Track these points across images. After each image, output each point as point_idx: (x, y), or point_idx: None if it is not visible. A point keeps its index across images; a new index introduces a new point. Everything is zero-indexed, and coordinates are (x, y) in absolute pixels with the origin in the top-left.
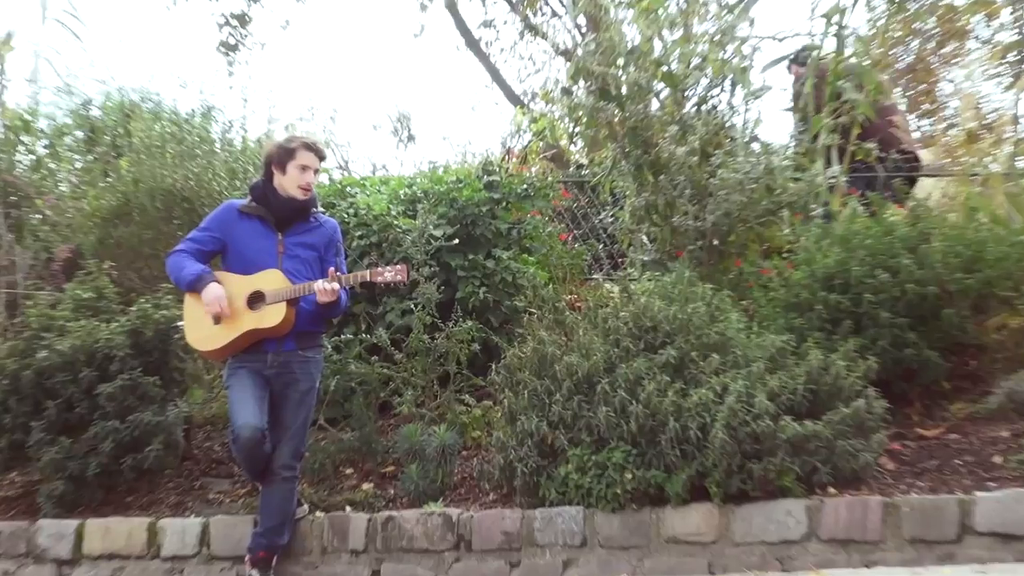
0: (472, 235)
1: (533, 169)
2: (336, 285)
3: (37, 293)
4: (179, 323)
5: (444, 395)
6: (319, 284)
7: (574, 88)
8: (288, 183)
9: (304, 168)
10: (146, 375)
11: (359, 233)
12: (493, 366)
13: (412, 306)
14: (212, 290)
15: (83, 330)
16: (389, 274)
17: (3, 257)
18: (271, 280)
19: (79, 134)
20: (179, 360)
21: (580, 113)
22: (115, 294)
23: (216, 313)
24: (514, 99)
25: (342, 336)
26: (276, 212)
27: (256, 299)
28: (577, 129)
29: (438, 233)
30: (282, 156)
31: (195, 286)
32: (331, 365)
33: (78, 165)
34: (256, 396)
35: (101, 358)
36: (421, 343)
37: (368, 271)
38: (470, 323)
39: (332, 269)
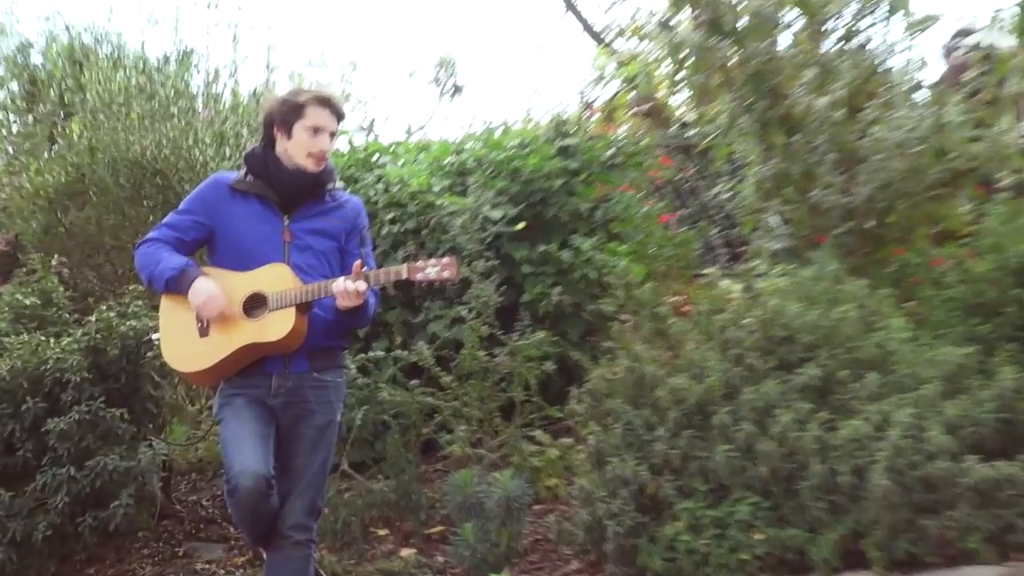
0: (542, 217)
1: (622, 129)
2: (362, 285)
3: None
4: (153, 336)
5: (508, 431)
6: (339, 284)
7: (676, 20)
8: (295, 150)
9: (316, 130)
10: (110, 406)
11: (390, 216)
12: (573, 391)
13: (463, 313)
14: (202, 287)
15: (25, 347)
16: (433, 270)
17: None
18: (275, 278)
19: (15, 88)
20: (154, 386)
21: (684, 53)
22: (67, 299)
23: (213, 317)
24: (595, 36)
25: (371, 353)
26: (280, 188)
27: (255, 304)
28: (680, 75)
29: (496, 215)
30: (287, 114)
31: (176, 284)
32: (357, 392)
33: (15, 129)
34: (258, 433)
35: (50, 384)
36: (476, 362)
37: (405, 266)
38: (541, 334)
39: (358, 264)
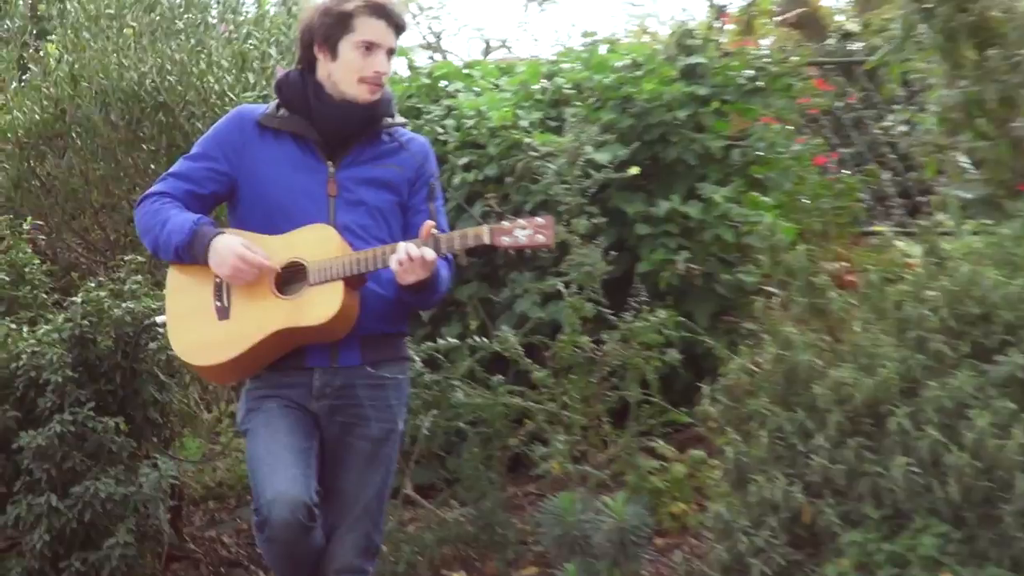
0: (662, 161)
1: (764, 43)
2: (431, 253)
3: None
4: (157, 319)
5: (621, 441)
6: (401, 251)
7: None
8: (342, 74)
9: (369, 46)
10: (102, 415)
11: (464, 160)
12: (704, 389)
13: (561, 286)
14: (225, 247)
15: None
16: (523, 234)
17: None
18: (317, 243)
19: None
20: (158, 387)
21: None
22: (44, 275)
23: (253, 279)
24: None
25: (440, 341)
26: (324, 126)
27: (292, 276)
28: None
29: (603, 157)
30: (330, 28)
31: (189, 249)
32: (423, 392)
33: None
34: (296, 448)
35: (23, 387)
36: (578, 351)
37: (486, 228)
38: (663, 314)
39: (427, 225)
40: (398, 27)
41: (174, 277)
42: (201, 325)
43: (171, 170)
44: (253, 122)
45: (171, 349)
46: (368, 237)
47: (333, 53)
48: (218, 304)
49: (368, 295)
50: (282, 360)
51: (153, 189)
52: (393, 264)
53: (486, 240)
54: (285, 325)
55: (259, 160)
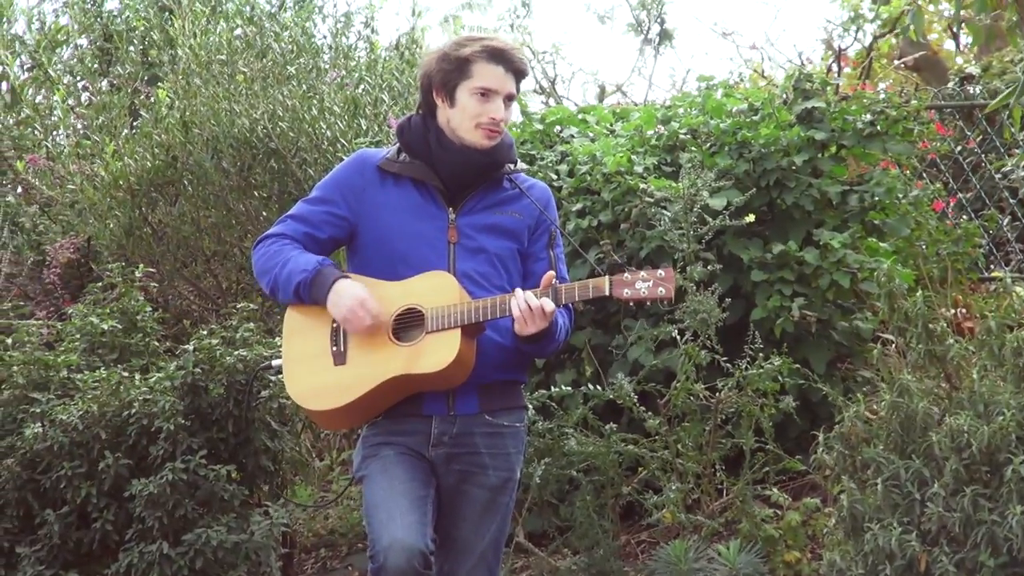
0: (778, 207)
1: (882, 86)
2: (551, 304)
3: (22, 323)
4: (273, 362)
5: (735, 488)
6: (520, 300)
7: None
8: (460, 120)
9: (486, 93)
10: (214, 462)
11: (578, 206)
12: (819, 436)
13: (675, 333)
14: (345, 292)
15: (103, 387)
16: (644, 286)
17: None
18: (435, 290)
19: (83, 43)
20: (270, 435)
21: None
22: (156, 322)
23: (364, 330)
24: None
25: (553, 388)
26: (445, 171)
27: (409, 322)
28: (961, 14)
29: (718, 203)
30: (448, 74)
31: (310, 290)
32: (536, 440)
33: (84, 99)
34: (413, 495)
35: (135, 434)
36: (692, 398)
37: (606, 280)
38: (778, 361)
39: (548, 275)
40: (517, 72)
41: (291, 320)
42: (317, 370)
43: (290, 212)
44: (374, 167)
45: (284, 395)
46: (488, 285)
47: (451, 99)
48: (335, 349)
49: (486, 343)
50: (399, 407)
51: (271, 231)
52: (513, 314)
53: (606, 292)
54: (402, 372)
55: (379, 205)
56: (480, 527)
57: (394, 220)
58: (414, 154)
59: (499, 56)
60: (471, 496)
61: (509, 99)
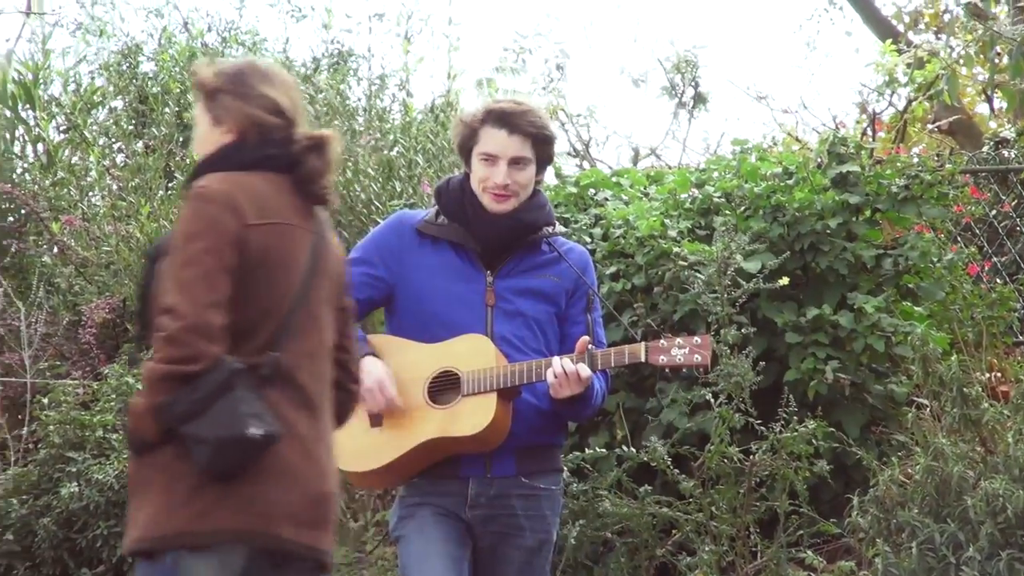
0: (812, 270)
1: (917, 150)
2: (587, 369)
3: (57, 383)
4: None
5: (770, 551)
6: (557, 366)
7: (991, 7)
8: (475, 185)
9: (489, 158)
10: None
11: (611, 269)
12: (854, 499)
13: (709, 396)
14: (368, 370)
15: None
16: (680, 353)
17: None
18: (472, 353)
19: (119, 105)
20: None
21: (1002, 49)
22: None
23: (375, 410)
24: (881, 27)
25: (587, 451)
26: (481, 234)
27: (446, 385)
28: (996, 78)
29: (752, 267)
30: (463, 139)
31: None
32: (570, 502)
33: (119, 160)
34: (449, 556)
35: None
36: (726, 461)
37: (643, 346)
38: (812, 424)
39: (583, 340)
40: (528, 134)
41: None
42: (354, 431)
43: None
44: (412, 228)
45: None
46: (525, 348)
47: (468, 164)
48: (360, 406)
49: (522, 406)
50: (436, 468)
51: None
52: (549, 378)
53: (642, 358)
54: (437, 435)
55: (417, 267)
56: None
57: (432, 282)
58: (451, 216)
59: (502, 120)
60: (508, 558)
61: (517, 162)
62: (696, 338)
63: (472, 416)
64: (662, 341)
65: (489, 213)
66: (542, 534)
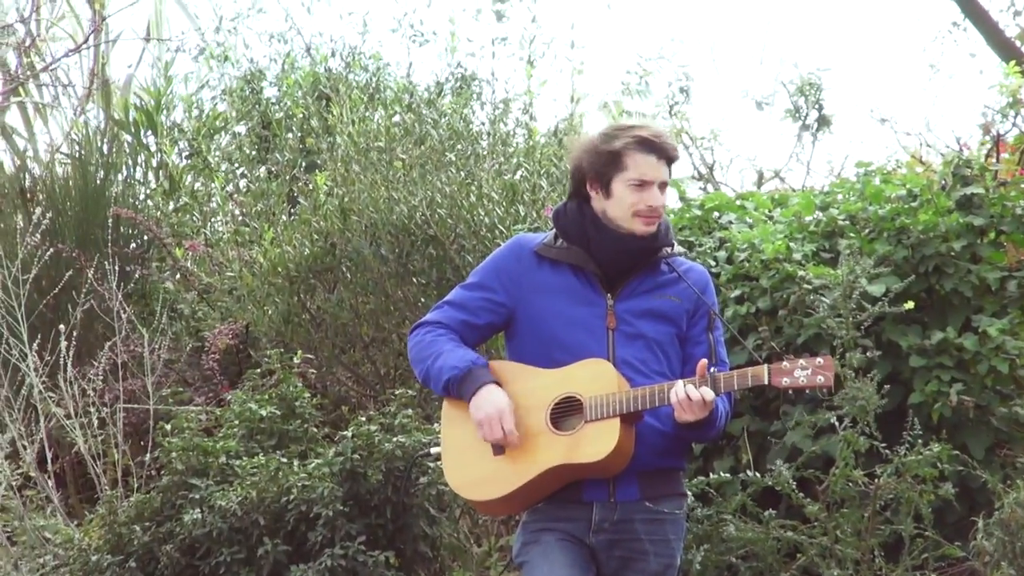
0: (937, 293)
1: None
2: (710, 393)
3: (180, 409)
4: (433, 448)
5: (895, 575)
6: (680, 390)
7: None
8: (617, 211)
9: (641, 184)
10: (372, 548)
11: (736, 293)
12: (979, 522)
13: (833, 420)
14: (489, 399)
15: (261, 472)
16: (803, 374)
17: (120, 348)
18: (593, 378)
19: (242, 131)
20: (428, 521)
21: None
22: (314, 408)
23: (496, 441)
24: (1004, 48)
25: (711, 475)
26: (602, 256)
27: (568, 410)
28: None
29: (876, 290)
30: (602, 165)
31: (458, 388)
32: (694, 526)
33: (242, 185)
34: None
35: (294, 520)
36: (851, 485)
37: (765, 368)
38: (937, 447)
39: (703, 363)
40: (670, 159)
41: (449, 409)
42: (476, 459)
43: (447, 298)
44: (531, 252)
45: (443, 481)
46: (647, 371)
47: (607, 192)
48: (479, 435)
49: (646, 430)
50: (560, 493)
51: (428, 318)
52: (672, 402)
53: (765, 381)
54: (561, 462)
55: (537, 291)
56: None
57: (552, 306)
58: (571, 240)
59: (651, 146)
60: None
61: (663, 186)
62: (819, 359)
63: (596, 442)
64: (785, 363)
65: (619, 237)
66: (666, 559)
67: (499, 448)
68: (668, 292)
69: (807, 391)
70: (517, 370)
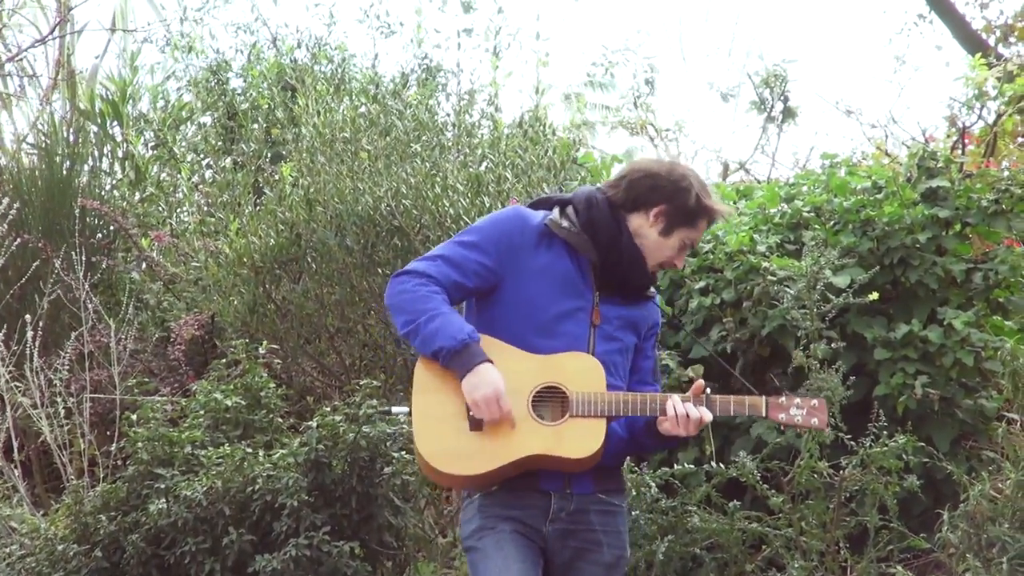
0: (902, 285)
1: (1006, 163)
2: (708, 414)
3: (146, 399)
4: (395, 408)
5: (860, 566)
6: (680, 406)
7: None
8: (655, 248)
9: (686, 247)
10: (337, 539)
11: (700, 284)
12: (944, 515)
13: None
14: (486, 378)
15: (226, 463)
16: (798, 412)
17: (87, 339)
18: (582, 374)
19: (207, 121)
20: (393, 512)
21: None
22: (279, 398)
23: (493, 420)
24: (971, 41)
25: (676, 467)
26: (610, 257)
27: (546, 398)
28: None
29: (841, 281)
30: (679, 211)
31: (450, 360)
32: (659, 517)
33: (208, 176)
34: (526, 573)
35: (259, 511)
36: (816, 476)
37: (763, 401)
38: (902, 438)
39: (699, 384)
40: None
41: (426, 376)
42: (451, 432)
43: (442, 252)
44: (533, 226)
45: (408, 472)
46: (615, 374)
47: (666, 231)
48: (472, 414)
49: (610, 431)
50: (517, 479)
51: (419, 267)
52: (669, 413)
53: (762, 413)
54: (542, 452)
55: (531, 270)
56: None
57: (543, 290)
58: (591, 231)
59: (714, 220)
60: (586, 573)
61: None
62: (814, 401)
63: (581, 439)
64: (782, 399)
65: (636, 258)
66: (619, 550)
67: (476, 424)
68: (640, 306)
69: (800, 430)
70: (502, 350)
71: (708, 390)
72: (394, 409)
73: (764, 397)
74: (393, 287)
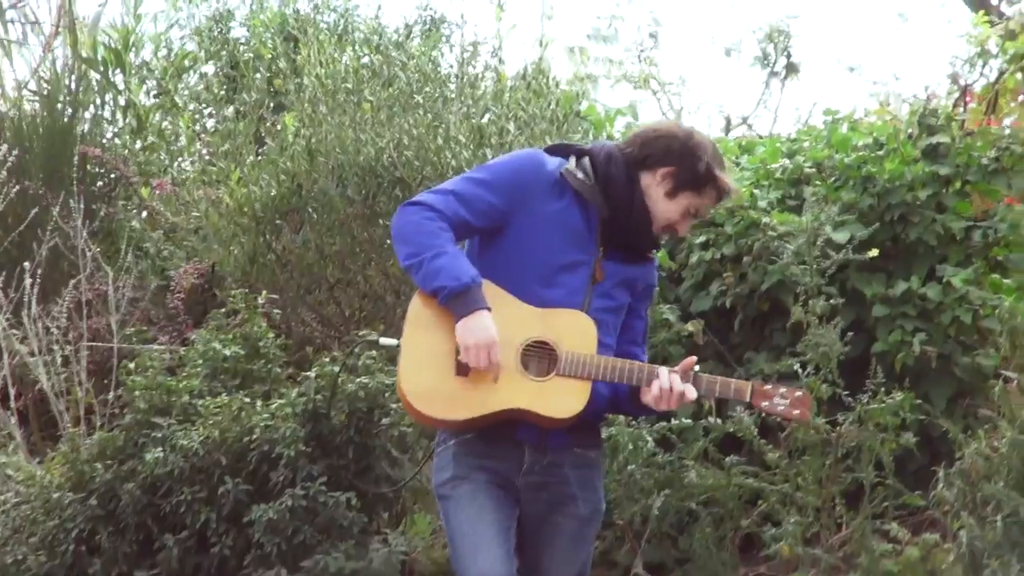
0: (902, 242)
1: (1008, 121)
2: (693, 392)
3: (144, 348)
4: (382, 339)
5: (855, 523)
6: (666, 380)
7: None
8: (659, 212)
9: (691, 214)
10: (334, 489)
11: (701, 239)
12: (940, 472)
13: (797, 367)
14: (481, 325)
15: (224, 412)
16: (781, 403)
17: (85, 287)
18: (575, 332)
19: (209, 71)
20: (390, 463)
21: None
22: (278, 349)
23: (479, 368)
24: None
25: (673, 421)
26: (618, 215)
27: (536, 352)
28: None
29: (841, 237)
30: (686, 174)
31: (450, 300)
32: (656, 472)
33: (210, 125)
34: (500, 525)
35: (256, 460)
36: (813, 432)
37: (749, 386)
38: (900, 395)
39: (689, 361)
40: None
41: (421, 311)
42: (437, 372)
43: (452, 187)
44: (548, 172)
45: (405, 423)
46: (604, 333)
47: (672, 194)
48: (460, 357)
49: (592, 391)
50: (493, 428)
51: (429, 200)
52: (654, 389)
53: (747, 399)
54: (525, 407)
55: (540, 217)
56: (568, 557)
57: (550, 239)
58: (605, 185)
59: (724, 194)
60: (561, 527)
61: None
62: (798, 392)
63: (565, 399)
64: (768, 386)
65: (645, 217)
66: (594, 503)
67: (463, 369)
68: (639, 265)
69: (781, 420)
70: (499, 296)
71: (697, 368)
72: (382, 340)
73: (751, 382)
74: (401, 216)
